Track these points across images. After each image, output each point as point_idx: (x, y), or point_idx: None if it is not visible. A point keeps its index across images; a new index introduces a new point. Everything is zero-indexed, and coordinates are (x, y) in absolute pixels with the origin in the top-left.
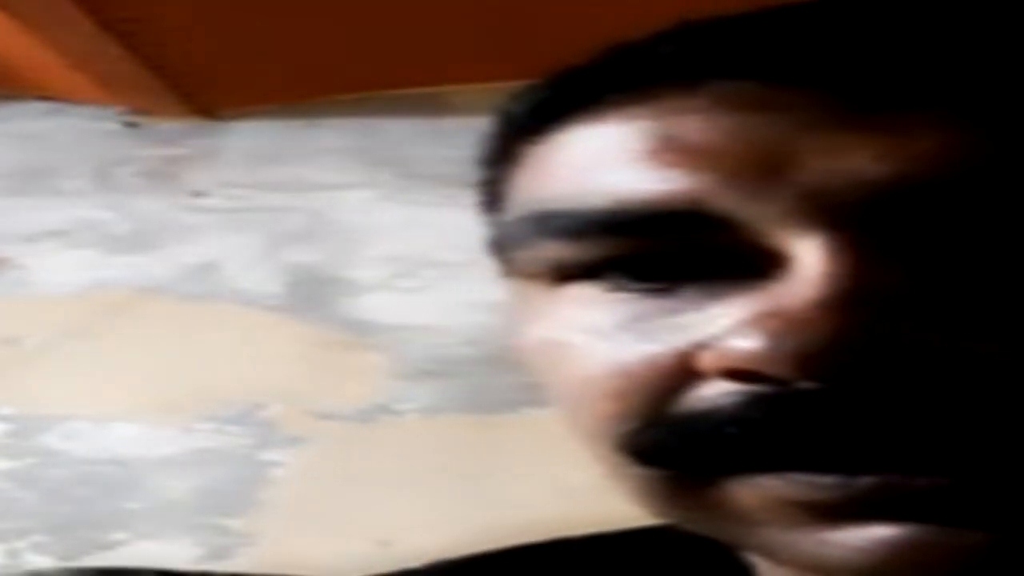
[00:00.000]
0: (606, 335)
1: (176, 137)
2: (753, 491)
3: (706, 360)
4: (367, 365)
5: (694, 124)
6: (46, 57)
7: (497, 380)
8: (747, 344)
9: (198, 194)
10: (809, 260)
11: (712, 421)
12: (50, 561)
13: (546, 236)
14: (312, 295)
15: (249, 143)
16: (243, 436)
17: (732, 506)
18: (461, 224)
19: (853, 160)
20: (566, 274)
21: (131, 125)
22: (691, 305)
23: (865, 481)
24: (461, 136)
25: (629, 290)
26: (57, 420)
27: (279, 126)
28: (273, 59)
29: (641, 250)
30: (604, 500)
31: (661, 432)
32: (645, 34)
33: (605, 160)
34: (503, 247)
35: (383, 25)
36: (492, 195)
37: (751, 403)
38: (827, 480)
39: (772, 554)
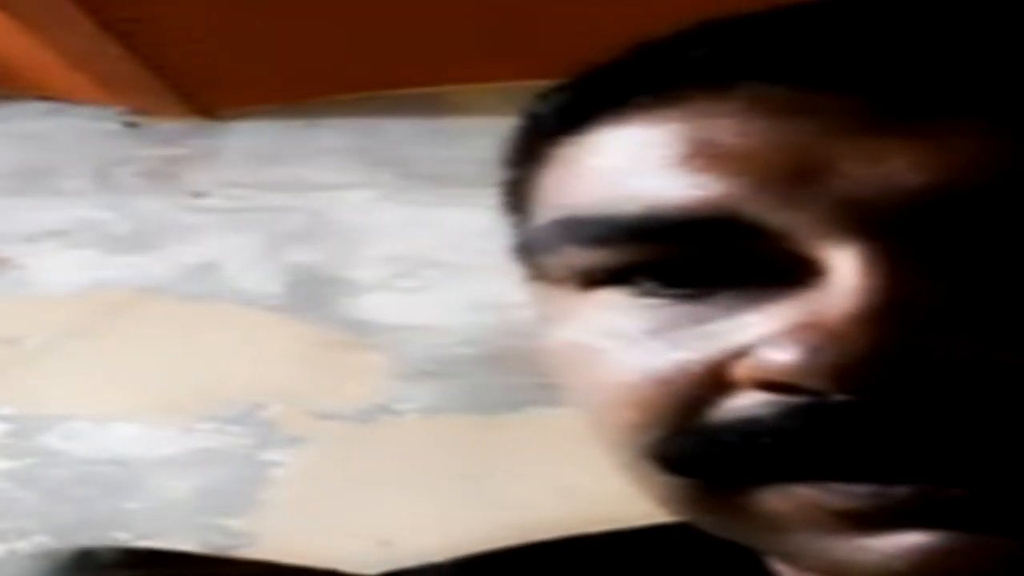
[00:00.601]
0: (635, 341)
1: (176, 137)
2: (786, 499)
3: (740, 370)
4: (367, 365)
5: (727, 128)
6: (46, 57)
7: (497, 380)
8: (783, 356)
9: (198, 194)
10: (845, 270)
11: (747, 431)
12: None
13: (576, 242)
14: (312, 295)
15: (249, 143)
16: (243, 436)
17: (763, 513)
18: (461, 224)
19: (890, 168)
20: (595, 279)
21: (131, 125)
22: (723, 312)
23: (899, 490)
24: (461, 136)
25: (659, 296)
26: (57, 420)
27: (279, 126)
28: (273, 59)
29: (672, 256)
30: (605, 500)
31: (692, 441)
32: (671, 33)
33: (635, 164)
34: (530, 251)
35: (383, 25)
36: (516, 197)
37: (787, 414)
38: (861, 489)
39: (802, 560)
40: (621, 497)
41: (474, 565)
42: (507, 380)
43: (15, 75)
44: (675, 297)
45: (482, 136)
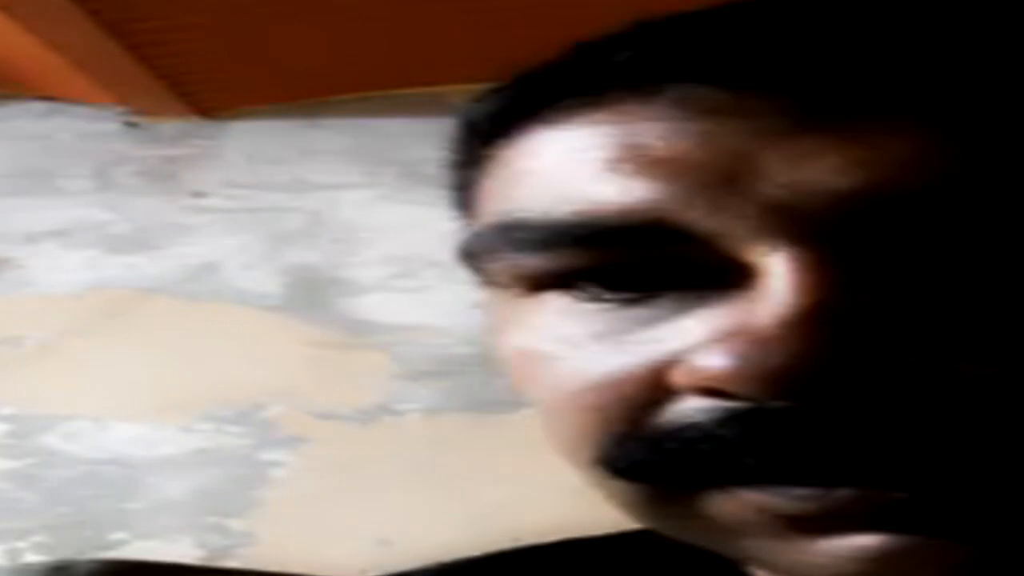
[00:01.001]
0: (580, 346)
1: (176, 137)
2: (732, 503)
3: (678, 376)
4: (367, 365)
5: (654, 131)
6: (46, 57)
7: (497, 380)
8: (715, 362)
9: (198, 194)
10: (775, 276)
11: (685, 437)
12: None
13: (515, 247)
14: (312, 295)
15: (249, 143)
16: (243, 436)
17: (714, 518)
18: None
19: (819, 170)
20: (538, 283)
21: (131, 125)
22: (662, 317)
23: (841, 493)
24: None
25: (602, 300)
26: (57, 420)
27: (279, 126)
28: (273, 59)
29: (611, 260)
30: (604, 500)
31: (636, 447)
32: (601, 34)
33: (567, 168)
34: (473, 257)
35: (383, 25)
36: (462, 200)
37: (723, 420)
38: (804, 492)
39: (756, 563)
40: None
41: (468, 568)
42: (507, 380)
43: (15, 75)
44: (618, 302)
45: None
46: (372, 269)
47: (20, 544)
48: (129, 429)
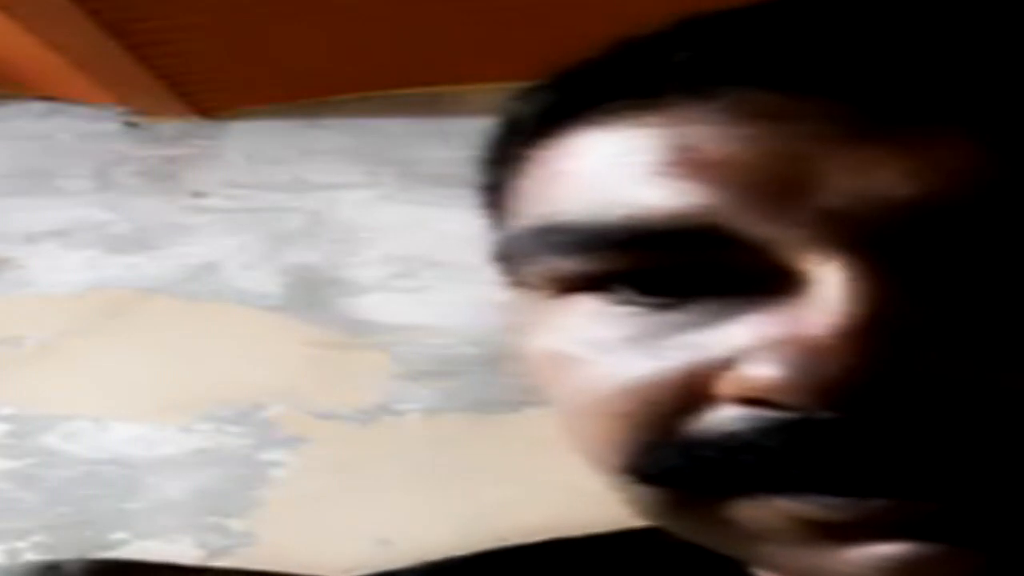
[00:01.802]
0: (613, 350)
1: (176, 137)
2: (763, 510)
3: (721, 383)
4: (367, 365)
5: (710, 135)
6: (46, 57)
7: (497, 380)
8: (766, 372)
9: (198, 194)
10: (829, 285)
11: (727, 446)
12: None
13: (554, 250)
14: (312, 295)
15: (249, 143)
16: (243, 436)
17: (739, 522)
18: (461, 224)
19: (876, 179)
20: (572, 286)
21: (131, 125)
22: (703, 323)
23: (875, 503)
24: (461, 136)
25: (638, 304)
26: (57, 420)
27: (279, 126)
28: (273, 59)
29: (652, 264)
30: (605, 500)
31: (669, 453)
32: (653, 33)
33: (615, 170)
34: (507, 258)
35: (383, 25)
36: (495, 200)
37: (768, 431)
38: (838, 501)
39: (778, 569)
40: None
41: (468, 565)
42: (507, 380)
43: (15, 75)
44: (655, 306)
45: (482, 136)
46: (372, 269)
47: (20, 544)
48: (129, 429)
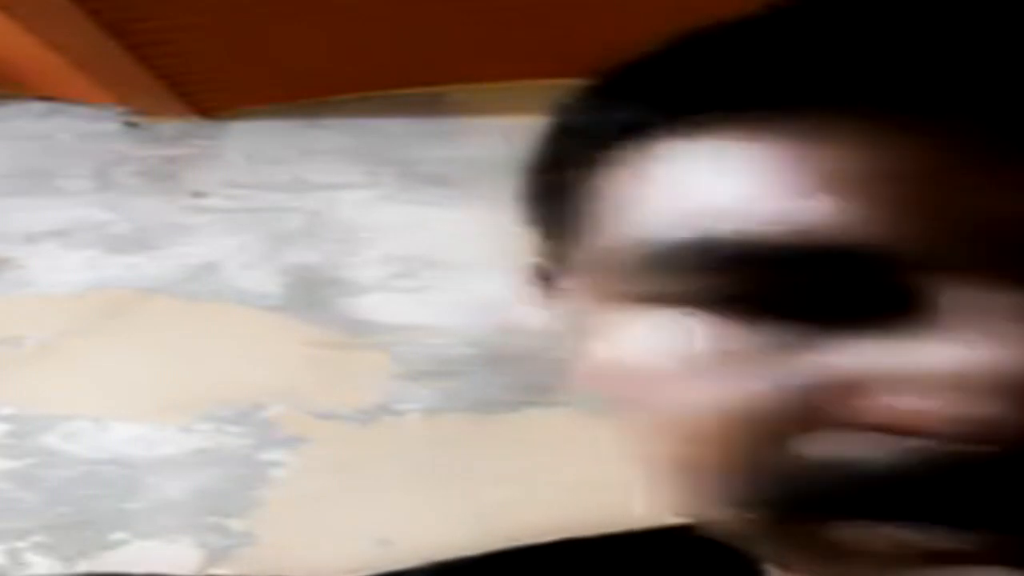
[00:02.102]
0: (711, 367)
1: (176, 137)
2: (866, 534)
3: (849, 407)
4: (367, 365)
5: (838, 151)
6: (46, 57)
7: (497, 380)
8: (916, 404)
9: (198, 194)
10: (983, 314)
11: (852, 472)
12: (50, 561)
13: (659, 266)
14: (312, 295)
15: (249, 143)
16: (243, 436)
17: (833, 544)
18: (461, 224)
19: (1014, 199)
20: (663, 299)
21: (131, 125)
22: (820, 342)
23: (982, 535)
24: (461, 136)
25: (745, 320)
26: (57, 420)
27: (279, 126)
28: (273, 59)
29: (768, 283)
30: (604, 499)
31: (772, 477)
32: (766, 38)
33: (731, 185)
34: (587, 270)
35: (383, 25)
36: (553, 208)
37: (910, 459)
38: (945, 530)
39: None
40: (621, 496)
41: (475, 565)
42: (507, 380)
43: (15, 75)
44: (764, 322)
45: (482, 136)
46: (372, 269)
47: (20, 544)
48: (129, 429)
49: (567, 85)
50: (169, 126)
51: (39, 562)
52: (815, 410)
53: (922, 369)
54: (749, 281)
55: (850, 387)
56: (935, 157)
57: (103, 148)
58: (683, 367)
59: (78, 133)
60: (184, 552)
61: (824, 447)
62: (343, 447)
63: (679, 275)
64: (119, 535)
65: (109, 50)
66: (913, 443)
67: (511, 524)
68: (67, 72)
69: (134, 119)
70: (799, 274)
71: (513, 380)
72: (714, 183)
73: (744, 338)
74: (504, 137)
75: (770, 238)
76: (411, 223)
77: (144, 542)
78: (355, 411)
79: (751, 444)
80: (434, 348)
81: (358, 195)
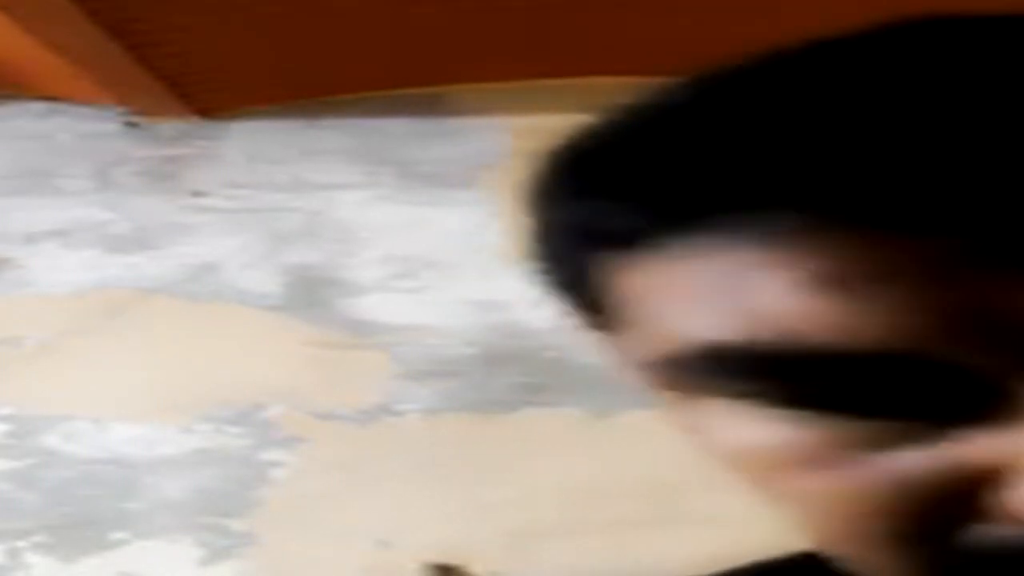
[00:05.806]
0: (824, 460)
1: (176, 137)
2: None
3: (993, 500)
4: (367, 365)
5: (887, 255)
6: (46, 57)
7: (497, 380)
8: None
9: (198, 194)
10: None
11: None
12: (50, 561)
13: (726, 375)
14: (312, 295)
15: (249, 143)
16: (243, 436)
17: None
18: (461, 224)
19: None
20: (738, 396)
21: (131, 125)
22: (919, 436)
23: None
24: (461, 136)
25: (823, 415)
26: (57, 420)
27: (279, 126)
28: (273, 59)
29: (826, 385)
30: (604, 500)
31: (949, 561)
32: (812, 139)
33: (760, 288)
34: (667, 372)
35: (383, 25)
36: (576, 300)
37: None
38: None
39: None
40: (621, 497)
41: None
42: (507, 380)
43: (15, 75)
44: (839, 418)
45: (482, 136)
46: (372, 269)
47: (20, 544)
48: (129, 429)
49: (567, 85)
50: (169, 126)
51: (39, 562)
52: (950, 502)
53: None
54: (803, 384)
55: (975, 480)
56: (936, 260)
57: (103, 148)
58: (792, 459)
59: (78, 133)
60: (184, 552)
61: (981, 536)
62: (343, 447)
63: (741, 378)
64: (119, 535)
65: (109, 50)
66: None
67: (511, 524)
68: (67, 72)
69: (134, 119)
70: (857, 379)
71: (513, 380)
72: (740, 285)
73: (831, 433)
74: (504, 137)
75: (812, 344)
76: (411, 223)
77: (144, 542)
78: (355, 411)
79: (926, 525)
80: (434, 348)
81: (358, 195)
